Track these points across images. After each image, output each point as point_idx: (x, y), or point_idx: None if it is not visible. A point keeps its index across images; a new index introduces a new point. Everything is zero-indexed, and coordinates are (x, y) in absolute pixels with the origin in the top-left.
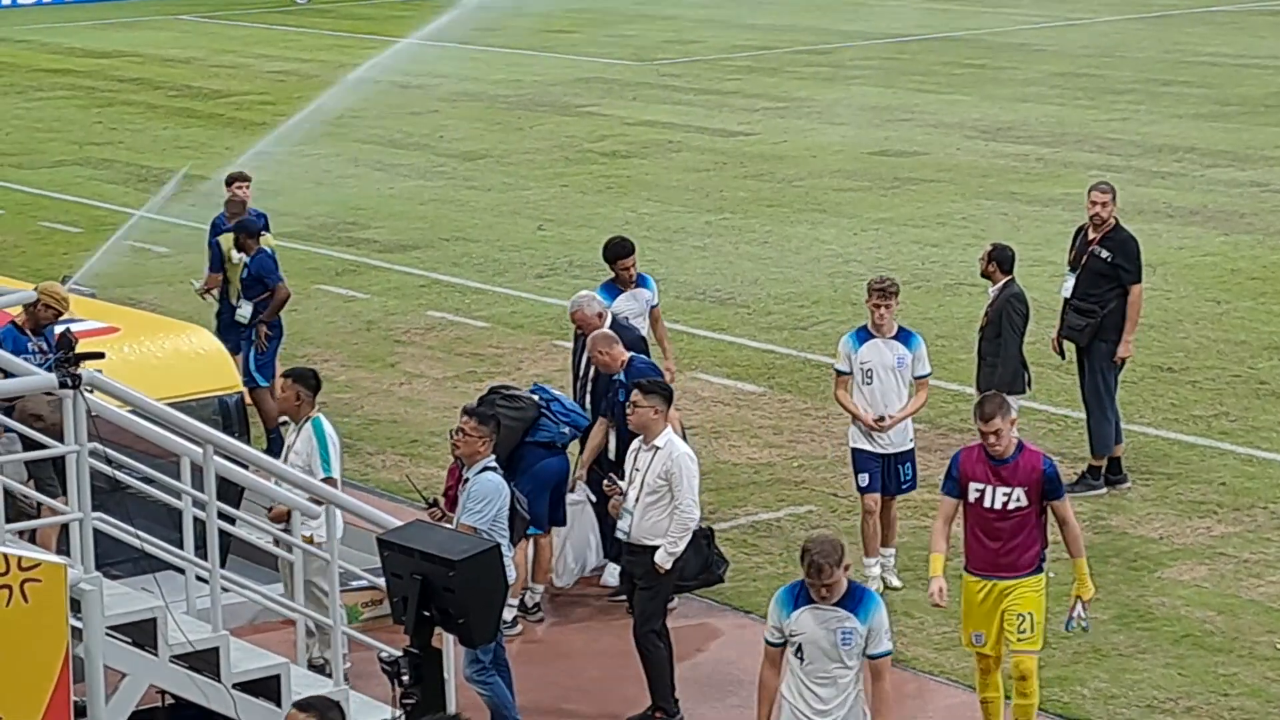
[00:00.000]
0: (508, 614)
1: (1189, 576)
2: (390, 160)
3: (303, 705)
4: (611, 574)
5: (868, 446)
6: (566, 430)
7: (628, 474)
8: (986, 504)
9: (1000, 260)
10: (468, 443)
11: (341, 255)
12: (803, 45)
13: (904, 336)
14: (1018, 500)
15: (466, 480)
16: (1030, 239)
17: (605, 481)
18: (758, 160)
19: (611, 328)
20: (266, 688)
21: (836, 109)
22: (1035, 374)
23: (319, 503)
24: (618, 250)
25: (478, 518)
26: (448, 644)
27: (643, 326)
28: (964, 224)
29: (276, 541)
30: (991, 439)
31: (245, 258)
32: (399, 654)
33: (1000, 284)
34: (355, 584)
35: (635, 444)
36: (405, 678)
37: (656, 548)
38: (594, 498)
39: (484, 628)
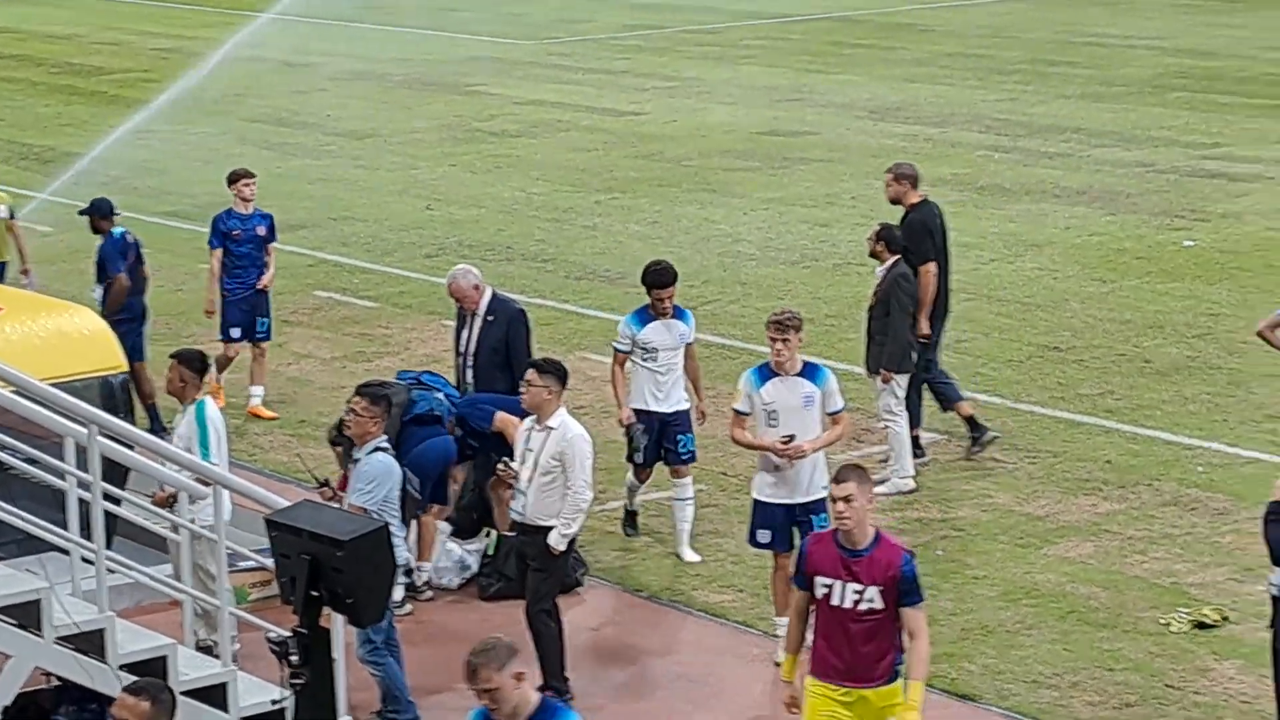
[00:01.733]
0: (397, 594)
1: (1075, 553)
2: (278, 139)
3: (134, 690)
4: None
5: (771, 496)
6: (441, 397)
7: (519, 454)
8: (834, 602)
9: (889, 240)
10: (359, 423)
11: None
12: (692, 25)
13: (810, 372)
14: (869, 601)
15: (357, 460)
16: None
17: (499, 465)
18: (647, 140)
19: (493, 302)
20: (153, 669)
21: (726, 89)
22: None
23: (206, 484)
24: (656, 279)
25: (367, 498)
26: (337, 624)
27: (676, 360)
28: (853, 204)
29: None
30: (841, 505)
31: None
32: (287, 634)
33: (888, 263)
34: (243, 565)
35: (527, 424)
36: (294, 658)
37: (550, 528)
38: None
39: (372, 608)
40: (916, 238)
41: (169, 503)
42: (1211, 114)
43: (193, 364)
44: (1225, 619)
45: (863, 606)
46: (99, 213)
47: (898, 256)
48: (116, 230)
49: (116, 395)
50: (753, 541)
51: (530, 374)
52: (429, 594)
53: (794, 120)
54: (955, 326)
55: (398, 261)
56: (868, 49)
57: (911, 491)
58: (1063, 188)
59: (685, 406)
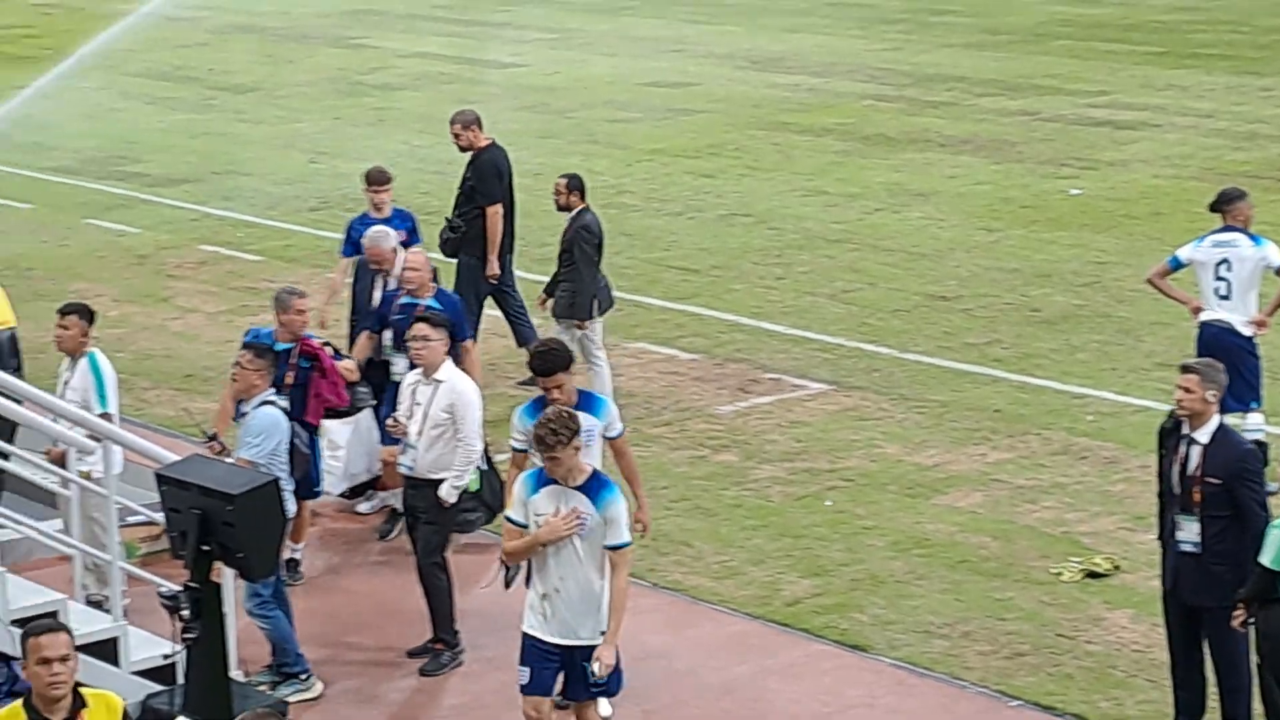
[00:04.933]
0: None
1: (964, 503)
2: (160, 94)
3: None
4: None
5: (540, 632)
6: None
7: (406, 407)
8: None
9: (581, 189)
10: (244, 376)
11: (112, 190)
12: None
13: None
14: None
15: (245, 415)
16: (803, 169)
17: (389, 421)
18: (529, 92)
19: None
20: None
21: (607, 40)
22: None
23: (96, 438)
24: (538, 365)
25: (255, 451)
26: (227, 578)
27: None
28: (737, 154)
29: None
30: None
31: None
32: (179, 589)
33: (575, 211)
34: (133, 519)
35: (413, 377)
36: (185, 612)
37: (440, 481)
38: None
39: (263, 562)
40: (486, 180)
41: (64, 459)
42: (1096, 62)
43: (90, 316)
44: (1116, 568)
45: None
46: None
47: (583, 206)
48: None
49: (4, 350)
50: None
51: (423, 329)
52: (300, 577)
53: (676, 71)
54: (841, 276)
55: (282, 215)
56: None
57: None
58: (947, 137)
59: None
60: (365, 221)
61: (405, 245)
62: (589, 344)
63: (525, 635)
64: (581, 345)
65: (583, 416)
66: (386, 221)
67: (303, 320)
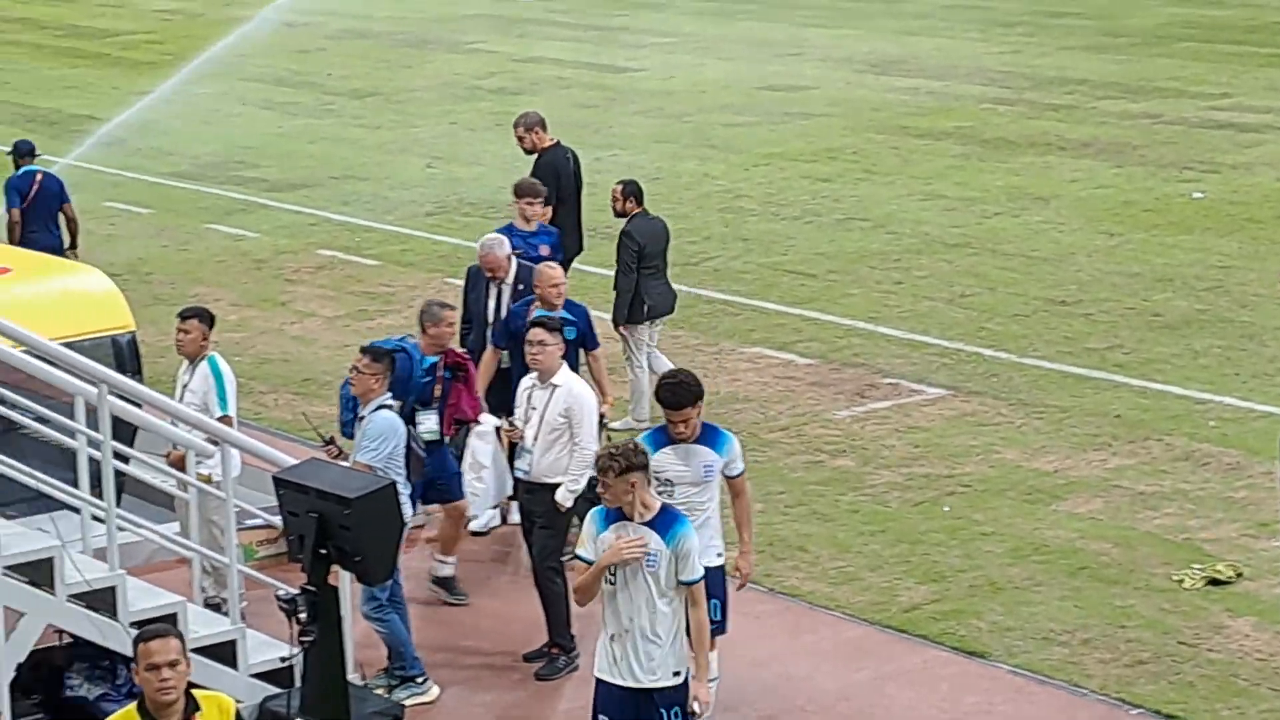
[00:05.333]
0: (446, 570)
1: (1084, 509)
2: (278, 99)
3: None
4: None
5: (610, 676)
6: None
7: (523, 413)
8: None
9: (637, 195)
10: (361, 380)
11: (231, 194)
12: None
13: (710, 436)
14: None
15: (362, 418)
16: (921, 173)
17: (504, 426)
18: (646, 96)
19: (520, 271)
20: None
21: (724, 44)
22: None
23: (214, 442)
24: (667, 397)
25: (372, 455)
26: (344, 581)
27: (703, 500)
28: (854, 158)
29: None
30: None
31: None
32: (296, 592)
33: (630, 217)
34: (251, 522)
35: (528, 381)
36: (302, 615)
37: (557, 486)
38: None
39: (380, 565)
40: (544, 181)
41: (183, 462)
42: (1220, 64)
43: (208, 320)
44: (1239, 575)
45: None
46: (18, 153)
47: (639, 211)
48: (26, 168)
49: (125, 354)
50: None
51: (540, 333)
52: (466, 598)
53: (792, 75)
54: (960, 280)
55: (399, 220)
56: (866, 2)
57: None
58: (1068, 140)
59: (715, 563)
60: (511, 233)
61: (548, 259)
62: (630, 349)
63: (597, 681)
64: (624, 348)
65: (704, 451)
66: (533, 234)
67: (451, 332)
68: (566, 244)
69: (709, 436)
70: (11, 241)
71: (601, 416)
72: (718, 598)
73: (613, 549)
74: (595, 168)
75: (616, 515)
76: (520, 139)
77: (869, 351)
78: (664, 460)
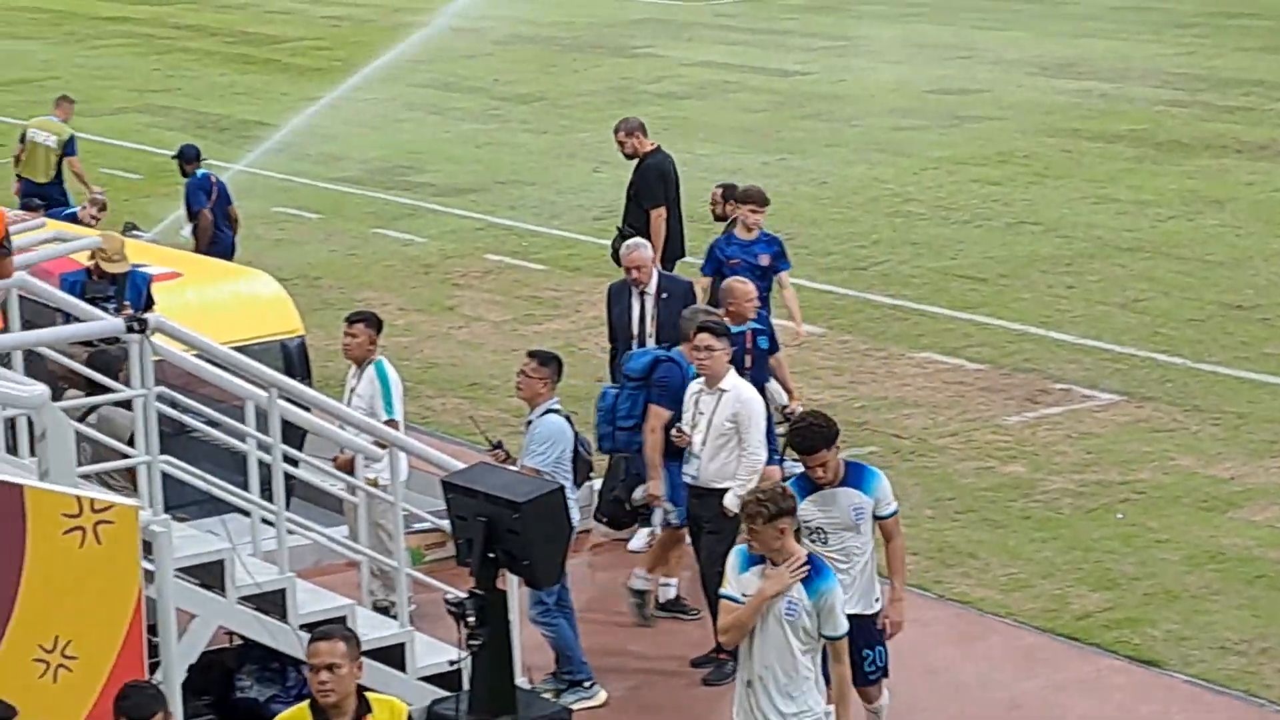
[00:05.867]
0: (669, 592)
1: (1261, 517)
2: (445, 104)
3: (324, 635)
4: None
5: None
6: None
7: (690, 418)
8: None
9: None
10: (529, 384)
11: (398, 199)
12: None
13: (856, 476)
14: None
15: (530, 423)
16: (1094, 176)
17: (673, 431)
18: (815, 100)
19: (662, 279)
20: None
21: (894, 47)
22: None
23: (383, 446)
24: (799, 443)
25: (540, 459)
26: (513, 586)
27: (858, 545)
28: (1025, 162)
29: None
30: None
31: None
32: (464, 596)
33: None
34: (419, 526)
35: (696, 386)
36: (471, 619)
37: (724, 490)
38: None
39: (549, 569)
40: (648, 184)
41: (351, 466)
42: None
43: (379, 324)
44: None
45: None
46: (184, 157)
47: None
48: (200, 172)
49: (294, 358)
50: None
51: (707, 338)
52: (697, 613)
53: (963, 78)
54: (1134, 284)
55: (566, 224)
56: (1037, 4)
57: None
58: (1244, 143)
59: (874, 609)
60: (731, 241)
61: (774, 270)
62: None
63: None
64: None
65: (850, 494)
66: (753, 243)
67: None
68: (670, 248)
69: (854, 476)
70: (202, 240)
71: (789, 411)
72: (883, 645)
73: (775, 577)
74: (764, 172)
75: (759, 559)
76: (621, 144)
77: (1040, 357)
78: (809, 510)
